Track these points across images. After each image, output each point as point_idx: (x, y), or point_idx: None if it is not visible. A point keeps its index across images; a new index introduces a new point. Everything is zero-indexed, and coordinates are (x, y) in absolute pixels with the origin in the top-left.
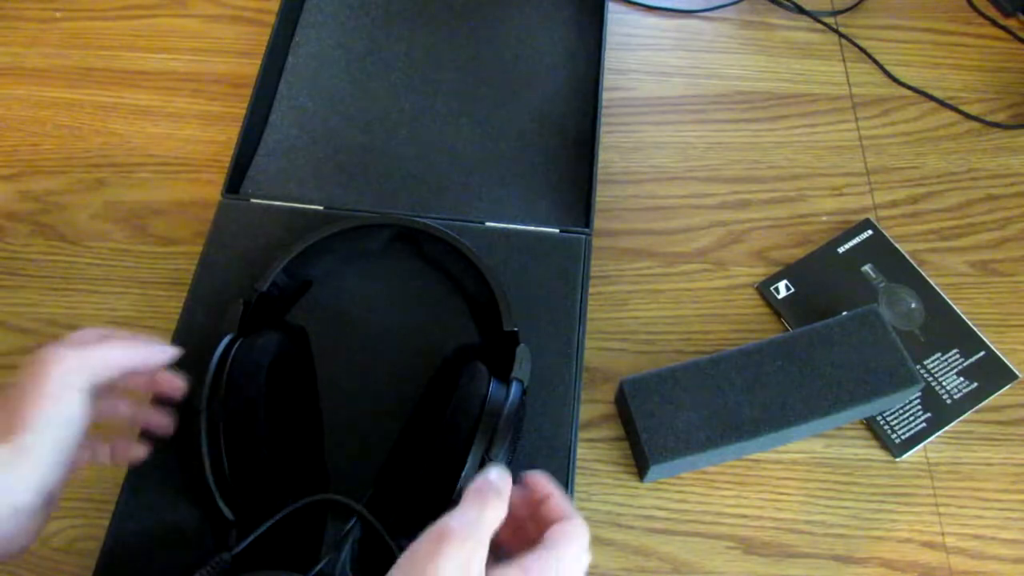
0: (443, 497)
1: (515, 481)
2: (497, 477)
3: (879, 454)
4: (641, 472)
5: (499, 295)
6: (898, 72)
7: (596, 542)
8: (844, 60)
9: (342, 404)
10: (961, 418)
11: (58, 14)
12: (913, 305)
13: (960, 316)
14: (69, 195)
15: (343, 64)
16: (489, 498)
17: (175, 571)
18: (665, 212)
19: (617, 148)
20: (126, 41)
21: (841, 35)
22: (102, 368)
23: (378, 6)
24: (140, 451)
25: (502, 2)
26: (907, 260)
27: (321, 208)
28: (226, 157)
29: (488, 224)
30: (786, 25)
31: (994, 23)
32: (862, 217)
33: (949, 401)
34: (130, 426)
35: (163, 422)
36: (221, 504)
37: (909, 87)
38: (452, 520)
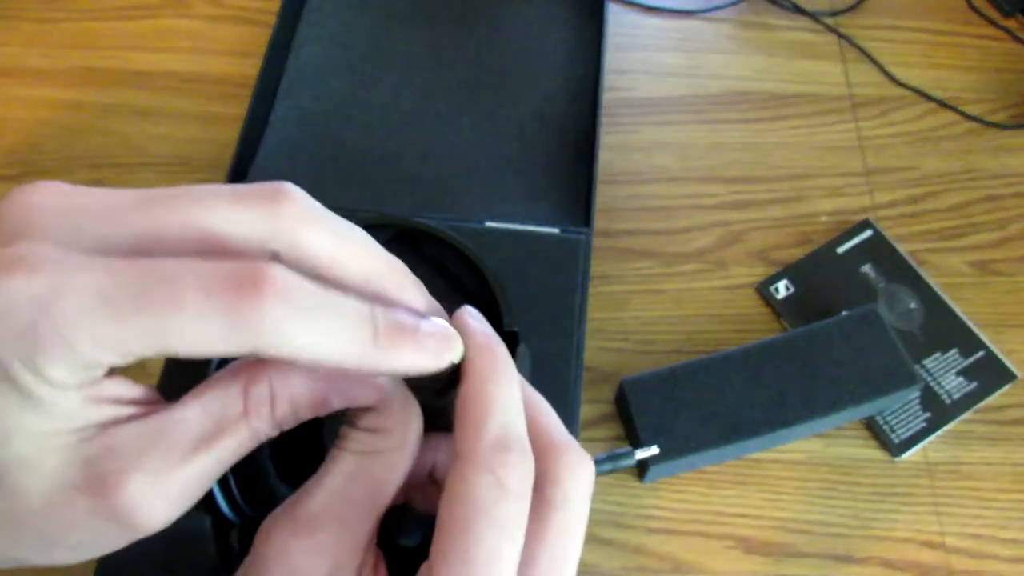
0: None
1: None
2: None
3: (878, 454)
4: (641, 472)
5: (499, 295)
6: (898, 72)
7: (596, 542)
8: (844, 60)
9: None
10: (960, 418)
11: (59, 14)
12: (912, 305)
13: (959, 316)
14: None
15: (343, 64)
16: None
17: (175, 571)
18: (665, 212)
19: (617, 148)
20: (127, 41)
21: (841, 35)
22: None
23: (379, 6)
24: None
25: (502, 2)
26: (906, 260)
27: None
28: (227, 157)
29: (488, 224)
30: (785, 25)
31: (993, 23)
32: (862, 217)
33: (948, 401)
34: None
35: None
36: (223, 505)
37: (909, 87)
38: None
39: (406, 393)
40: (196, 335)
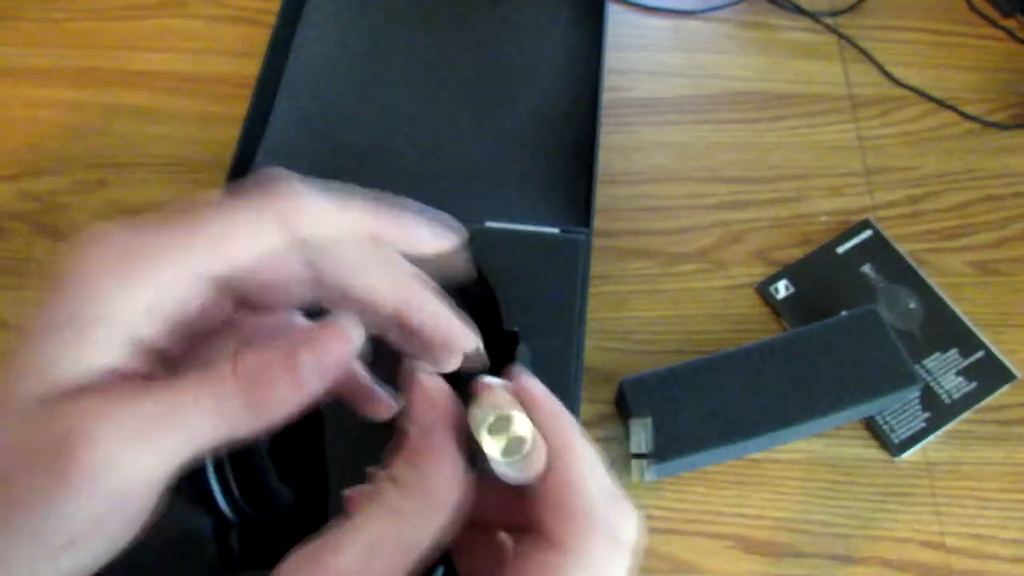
0: None
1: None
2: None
3: (878, 454)
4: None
5: (499, 295)
6: (897, 72)
7: None
8: (843, 60)
9: (343, 404)
10: (960, 418)
11: (59, 14)
12: (912, 305)
13: (959, 316)
14: (70, 195)
15: (344, 64)
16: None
17: (175, 571)
18: (665, 212)
19: (617, 148)
20: (127, 41)
21: (841, 35)
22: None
23: (379, 6)
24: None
25: (502, 2)
26: (906, 260)
27: None
28: (227, 157)
29: (488, 224)
30: (785, 26)
31: (993, 23)
32: (861, 217)
33: (948, 401)
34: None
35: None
36: (223, 504)
37: (909, 87)
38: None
39: (454, 458)
40: (243, 236)
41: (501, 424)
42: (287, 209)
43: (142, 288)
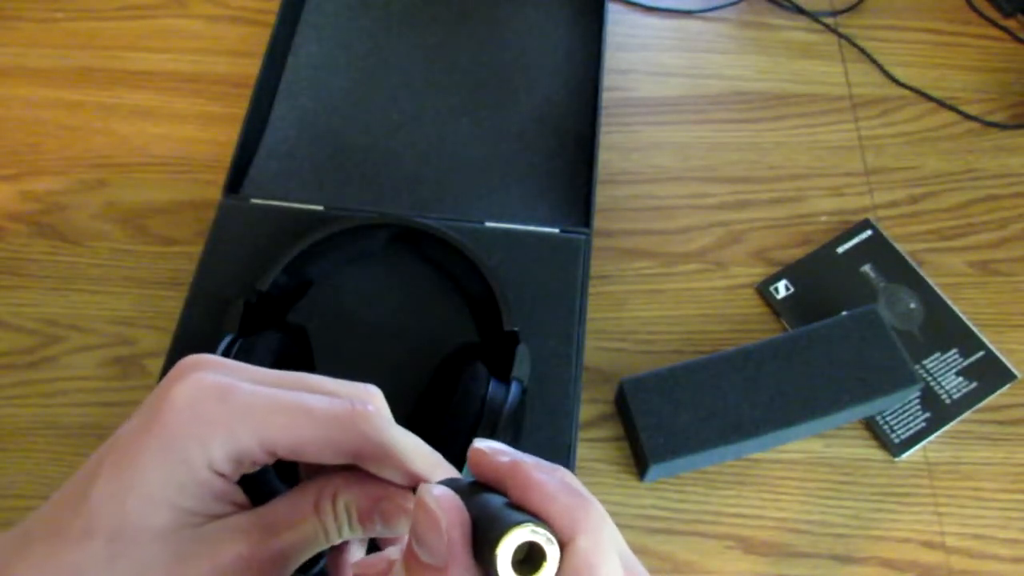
0: None
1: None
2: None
3: (878, 454)
4: (641, 472)
5: (499, 295)
6: (898, 72)
7: None
8: (844, 60)
9: None
10: (960, 418)
11: (59, 14)
12: (912, 305)
13: (959, 316)
14: (70, 195)
15: (343, 64)
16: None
17: None
18: (665, 212)
19: (617, 148)
20: (127, 41)
21: (841, 35)
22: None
23: (379, 6)
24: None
25: (502, 2)
26: (906, 260)
27: (321, 208)
28: (226, 157)
29: (488, 224)
30: (785, 25)
31: (994, 23)
32: (861, 217)
33: (948, 401)
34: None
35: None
36: None
37: (909, 87)
38: None
39: None
40: (317, 433)
41: (525, 553)
42: (359, 420)
43: (233, 440)
